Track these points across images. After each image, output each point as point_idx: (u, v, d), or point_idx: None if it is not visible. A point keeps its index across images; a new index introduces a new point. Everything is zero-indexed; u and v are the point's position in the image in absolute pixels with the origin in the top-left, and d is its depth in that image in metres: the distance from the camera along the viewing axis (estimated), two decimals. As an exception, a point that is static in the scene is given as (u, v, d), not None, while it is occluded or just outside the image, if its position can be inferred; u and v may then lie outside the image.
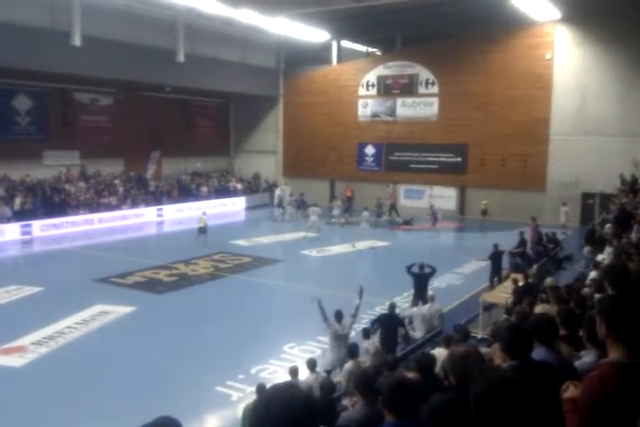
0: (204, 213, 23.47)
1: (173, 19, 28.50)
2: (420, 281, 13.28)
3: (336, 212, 27.76)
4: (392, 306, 11.14)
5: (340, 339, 9.58)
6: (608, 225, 15.78)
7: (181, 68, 28.89)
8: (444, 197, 31.12)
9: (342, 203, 30.51)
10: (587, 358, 3.69)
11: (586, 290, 7.70)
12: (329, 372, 9.38)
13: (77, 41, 23.92)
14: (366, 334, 10.30)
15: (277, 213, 29.62)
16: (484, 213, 27.82)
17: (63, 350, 11.58)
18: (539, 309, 4.88)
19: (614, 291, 3.87)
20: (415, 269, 13.50)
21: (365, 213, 25.26)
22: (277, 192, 32.72)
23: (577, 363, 3.65)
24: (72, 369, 10.63)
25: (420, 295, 12.96)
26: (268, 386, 8.42)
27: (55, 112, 28.19)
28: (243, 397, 9.45)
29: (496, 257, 16.18)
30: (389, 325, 10.67)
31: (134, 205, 28.74)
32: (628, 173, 22.46)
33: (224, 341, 12.14)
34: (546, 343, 3.43)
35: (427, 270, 13.58)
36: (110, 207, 27.54)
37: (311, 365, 8.36)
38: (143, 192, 30.21)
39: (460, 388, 2.92)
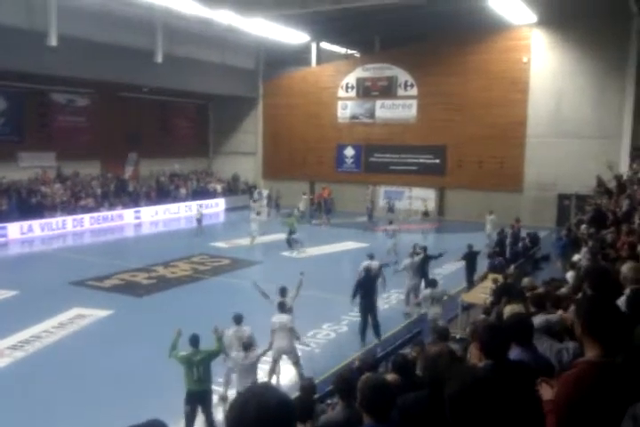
0: (201, 206, 27.88)
1: (151, 19, 28.27)
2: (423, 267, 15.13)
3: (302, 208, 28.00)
4: (368, 269, 12.97)
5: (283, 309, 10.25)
6: (583, 226, 15.98)
7: (159, 69, 28.70)
8: (424, 198, 31.29)
9: (317, 204, 30.74)
10: (552, 316, 3.74)
11: (562, 290, 7.80)
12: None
13: (54, 41, 23.63)
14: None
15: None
16: (426, 214, 27.74)
17: (40, 354, 11.43)
18: (508, 309, 4.95)
19: (593, 292, 3.93)
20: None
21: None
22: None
23: (536, 318, 3.68)
24: (49, 373, 10.48)
25: (425, 276, 14.91)
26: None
27: (31, 113, 27.83)
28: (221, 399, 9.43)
29: (470, 257, 16.38)
30: (368, 285, 12.44)
31: (112, 206, 28.46)
32: (604, 175, 22.82)
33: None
34: (522, 343, 3.47)
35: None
36: (87, 209, 27.24)
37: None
38: (121, 194, 29.93)
39: (431, 386, 2.94)
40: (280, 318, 10.00)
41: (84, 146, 29.72)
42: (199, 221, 25.79)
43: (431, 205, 31.03)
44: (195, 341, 8.37)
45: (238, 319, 9.64)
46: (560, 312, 5.46)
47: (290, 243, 21.93)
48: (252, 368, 8.93)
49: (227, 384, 9.56)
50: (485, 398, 1.99)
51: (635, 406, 1.96)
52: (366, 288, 12.41)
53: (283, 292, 10.80)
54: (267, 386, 1.74)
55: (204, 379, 8.21)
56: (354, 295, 12.55)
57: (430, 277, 14.67)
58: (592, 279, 4.15)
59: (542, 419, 2.58)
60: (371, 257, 14.26)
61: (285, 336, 9.88)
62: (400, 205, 30.71)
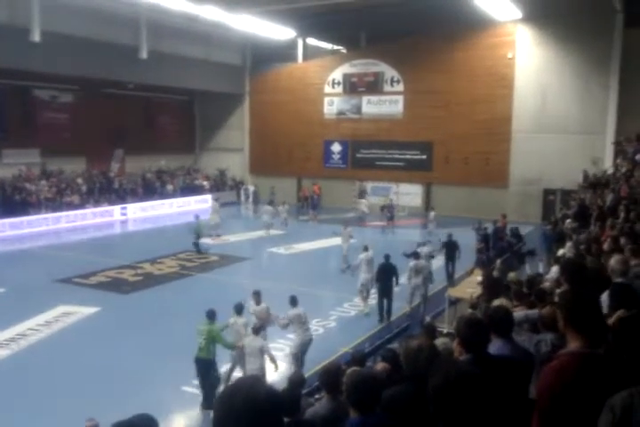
0: (217, 200, 27.45)
1: (136, 15, 28.04)
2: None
3: (283, 215, 25.84)
4: (387, 256, 13.62)
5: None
6: (568, 220, 16.14)
7: (144, 65, 28.49)
8: (410, 193, 31.44)
9: (309, 200, 30.64)
10: (531, 313, 3.81)
11: (546, 284, 7.89)
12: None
13: (37, 37, 23.37)
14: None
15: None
16: (383, 208, 28.14)
17: (26, 352, 11.36)
18: (496, 303, 5.05)
19: (569, 285, 3.99)
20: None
21: (268, 208, 24.90)
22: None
23: (516, 314, 3.75)
24: (35, 371, 10.42)
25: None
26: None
27: (14, 110, 27.55)
28: (210, 396, 9.42)
29: (450, 246, 17.04)
30: (386, 273, 13.37)
31: (97, 203, 28.27)
32: (589, 170, 23.08)
33: (190, 340, 11.98)
34: (502, 335, 3.52)
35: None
36: (73, 206, 27.04)
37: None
38: (106, 190, 29.74)
39: (413, 379, 2.97)
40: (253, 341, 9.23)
41: (69, 142, 29.45)
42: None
43: (420, 201, 31.19)
44: (210, 314, 9.29)
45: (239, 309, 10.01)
46: (547, 307, 5.53)
47: (198, 247, 20.43)
48: (260, 353, 9.04)
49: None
50: (468, 392, 2.02)
51: (613, 398, 2.00)
52: (385, 274, 13.41)
53: (257, 295, 10.90)
54: (255, 378, 1.77)
55: (203, 349, 9.09)
56: (376, 280, 13.66)
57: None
58: (568, 273, 4.23)
59: (524, 412, 2.62)
60: (365, 249, 14.66)
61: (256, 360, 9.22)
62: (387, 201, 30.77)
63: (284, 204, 26.14)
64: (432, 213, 24.35)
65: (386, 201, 28.57)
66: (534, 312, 4.80)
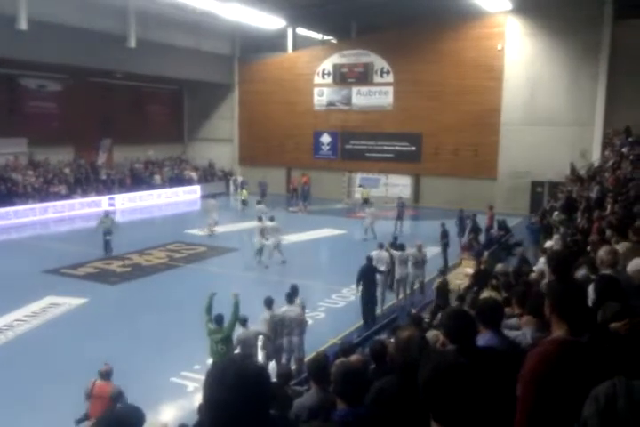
0: (244, 189, 29.37)
1: (124, 3, 27.72)
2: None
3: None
4: (369, 258, 12.96)
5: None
6: (556, 213, 16.23)
7: (133, 54, 28.21)
8: (399, 185, 31.48)
9: (299, 191, 30.64)
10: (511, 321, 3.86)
11: (533, 275, 7.95)
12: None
13: (24, 25, 23.02)
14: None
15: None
16: (366, 201, 27.99)
17: (12, 344, 11.32)
18: (485, 295, 5.08)
19: (555, 276, 4.02)
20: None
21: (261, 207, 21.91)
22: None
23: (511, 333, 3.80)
24: (22, 363, 10.39)
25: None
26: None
27: (0, 99, 27.19)
28: (199, 387, 9.42)
29: (446, 234, 18.19)
30: (370, 274, 12.72)
31: (85, 193, 28.06)
32: (577, 163, 23.18)
33: (179, 331, 12.03)
34: (491, 327, 3.53)
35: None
36: (60, 196, 26.82)
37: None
38: (94, 181, 29.51)
39: (403, 370, 2.98)
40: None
41: (56, 132, 29.18)
42: (244, 202, 28.01)
43: (409, 192, 31.24)
44: (219, 319, 9.06)
45: (269, 303, 9.84)
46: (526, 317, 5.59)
47: (107, 245, 18.86)
48: (249, 344, 9.05)
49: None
50: (459, 383, 2.02)
51: (597, 389, 2.02)
52: (366, 277, 12.62)
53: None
54: (246, 355, 1.82)
55: (223, 354, 8.80)
56: (357, 283, 12.80)
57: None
58: (554, 264, 4.27)
59: (512, 404, 2.64)
60: (380, 246, 14.13)
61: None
62: (376, 193, 30.84)
63: (273, 220, 18.73)
64: (372, 209, 22.66)
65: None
66: (514, 321, 4.79)
